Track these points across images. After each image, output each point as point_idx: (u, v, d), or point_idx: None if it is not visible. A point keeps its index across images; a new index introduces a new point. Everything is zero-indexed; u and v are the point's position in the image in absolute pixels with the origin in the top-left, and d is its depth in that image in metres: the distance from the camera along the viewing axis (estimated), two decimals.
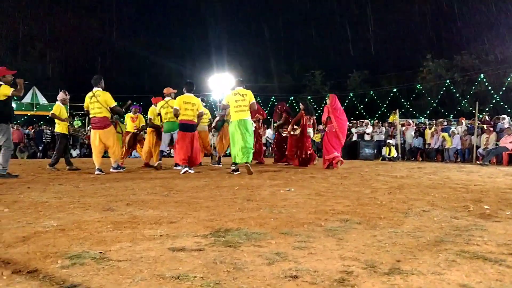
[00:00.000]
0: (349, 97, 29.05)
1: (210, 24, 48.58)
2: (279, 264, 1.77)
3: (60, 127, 8.49)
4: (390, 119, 18.94)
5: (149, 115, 9.34)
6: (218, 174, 7.08)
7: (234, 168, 7.27)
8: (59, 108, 8.45)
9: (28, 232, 2.32)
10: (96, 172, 7.23)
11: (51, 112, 8.55)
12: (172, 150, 9.08)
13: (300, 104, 9.88)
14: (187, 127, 7.70)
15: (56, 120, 8.52)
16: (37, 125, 20.72)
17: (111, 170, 7.62)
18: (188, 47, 43.69)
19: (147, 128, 9.39)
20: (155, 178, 6.27)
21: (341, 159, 8.83)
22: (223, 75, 25.18)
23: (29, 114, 22.37)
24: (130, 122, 9.70)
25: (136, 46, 42.02)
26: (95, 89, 7.50)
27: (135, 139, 9.77)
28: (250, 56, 40.92)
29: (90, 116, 7.59)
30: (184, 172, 7.29)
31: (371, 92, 28.72)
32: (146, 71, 40.86)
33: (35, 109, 21.36)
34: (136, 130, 9.66)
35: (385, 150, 14.77)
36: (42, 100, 22.59)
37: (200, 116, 7.91)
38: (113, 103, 7.51)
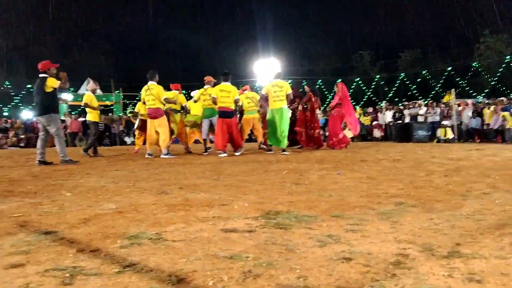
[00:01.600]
0: (400, 78, 27.97)
1: (255, 8, 48.25)
2: (331, 246, 1.74)
3: (92, 116, 8.92)
4: (444, 100, 18.05)
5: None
6: (266, 159, 7.11)
7: (269, 148, 8.74)
8: (90, 98, 8.84)
9: (89, 215, 2.45)
10: (147, 155, 7.96)
11: (83, 101, 8.95)
12: (212, 136, 9.27)
13: (306, 87, 10.53)
14: (225, 114, 8.14)
15: (87, 109, 8.93)
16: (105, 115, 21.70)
17: (162, 156, 7.94)
18: (233, 33, 43.77)
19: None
20: (206, 163, 6.40)
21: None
22: (268, 60, 25.06)
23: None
24: (143, 110, 9.91)
25: (182, 34, 42.80)
26: (150, 82, 8.09)
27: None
28: (295, 39, 40.46)
29: (146, 107, 8.21)
30: (224, 156, 7.81)
31: (424, 72, 27.46)
32: (192, 58, 41.53)
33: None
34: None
35: (440, 132, 14.14)
36: (97, 90, 23.65)
37: (236, 102, 8.29)
38: (164, 95, 8.16)
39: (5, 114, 25.73)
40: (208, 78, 9.16)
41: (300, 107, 10.03)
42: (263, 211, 2.48)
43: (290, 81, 23.33)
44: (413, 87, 26.68)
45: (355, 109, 11.62)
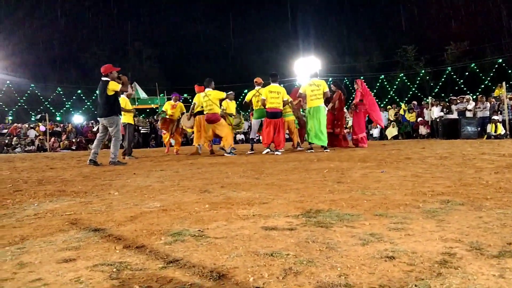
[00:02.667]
0: (447, 72, 26.84)
1: (295, 6, 47.93)
2: (374, 244, 1.71)
3: (126, 118, 9.24)
4: (495, 93, 17.15)
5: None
6: (307, 157, 7.06)
7: (309, 147, 8.77)
8: (124, 101, 9.16)
9: (135, 212, 2.54)
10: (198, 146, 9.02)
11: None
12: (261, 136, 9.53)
13: (332, 86, 10.42)
14: (273, 114, 8.41)
15: (122, 112, 9.22)
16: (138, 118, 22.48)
17: (225, 154, 8.53)
18: (273, 32, 43.70)
19: (196, 116, 9.52)
20: (247, 162, 6.45)
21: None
22: (308, 58, 24.84)
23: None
24: (170, 110, 10.16)
25: (223, 36, 43.37)
26: (207, 89, 8.75)
27: (175, 126, 10.20)
28: (336, 36, 39.79)
29: (204, 112, 8.82)
30: (266, 153, 8.23)
31: (472, 65, 26.20)
32: (232, 59, 41.96)
33: (136, 103, 23.22)
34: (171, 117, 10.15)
35: (490, 127, 13.45)
36: (142, 94, 24.46)
37: (286, 104, 8.56)
38: (223, 96, 8.86)
39: (58, 118, 27.19)
40: (258, 80, 9.30)
41: (330, 106, 10.00)
42: (304, 209, 2.47)
43: (330, 79, 23.03)
44: (461, 81, 25.54)
45: (378, 104, 11.60)
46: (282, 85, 9.28)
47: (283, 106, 8.52)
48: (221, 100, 9.05)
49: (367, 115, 10.52)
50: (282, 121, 8.55)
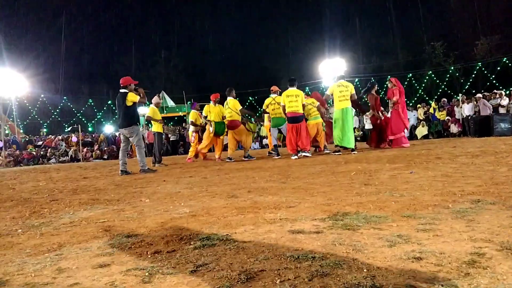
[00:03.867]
0: (478, 67, 26.04)
1: (319, 8, 47.72)
2: (401, 246, 1.71)
3: (156, 127, 9.48)
4: None
5: (204, 113, 9.85)
6: (334, 160, 7.02)
7: (336, 149, 8.75)
8: (153, 111, 9.42)
9: (165, 219, 2.62)
10: (227, 160, 8.95)
11: (147, 114, 9.62)
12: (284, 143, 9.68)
13: (370, 88, 10.29)
14: (294, 119, 8.38)
15: (152, 121, 9.54)
16: (167, 126, 22.90)
17: (243, 158, 9.01)
18: (298, 35, 43.63)
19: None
20: (273, 167, 6.48)
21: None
22: (334, 60, 24.65)
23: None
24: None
25: (248, 40, 43.65)
26: (228, 98, 9.19)
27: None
28: (361, 35, 39.33)
29: (226, 119, 9.33)
30: (295, 158, 8.09)
31: (505, 59, 25.32)
32: (258, 64, 42.15)
33: (165, 111, 23.66)
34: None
35: None
36: (170, 102, 24.91)
37: (303, 106, 8.49)
38: (239, 107, 9.16)
39: (90, 129, 28.07)
40: (274, 88, 9.43)
41: (375, 113, 10.00)
42: (331, 212, 2.48)
43: (357, 79, 22.81)
44: (492, 76, 24.73)
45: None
46: (307, 88, 9.29)
47: (303, 109, 8.48)
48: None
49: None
50: (304, 124, 8.49)
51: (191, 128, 10.41)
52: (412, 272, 1.39)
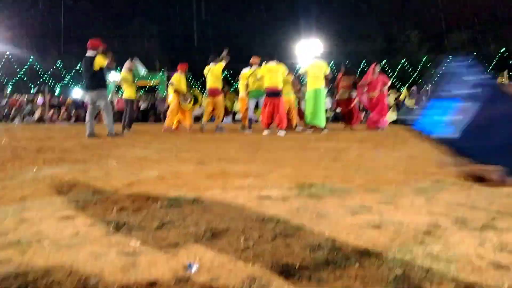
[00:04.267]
0: (448, 60, 26.63)
1: None
2: (363, 215, 1.77)
3: (128, 93, 9.26)
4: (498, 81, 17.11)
5: (173, 80, 9.62)
6: (305, 137, 7.10)
7: (308, 127, 8.82)
8: (127, 76, 9.17)
9: (132, 180, 2.59)
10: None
11: (120, 79, 9.34)
12: (259, 117, 9.57)
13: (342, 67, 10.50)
14: (272, 93, 8.23)
15: (124, 86, 9.31)
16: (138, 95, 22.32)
17: (216, 131, 9.00)
18: (274, 13, 43.10)
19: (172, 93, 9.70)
20: (244, 140, 6.50)
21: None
22: (310, 41, 24.58)
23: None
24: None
25: (222, 15, 42.81)
26: (211, 64, 9.07)
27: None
28: (338, 18, 39.24)
29: (207, 87, 9.23)
30: (266, 134, 7.98)
31: (475, 53, 26.02)
32: (234, 40, 41.50)
33: (136, 79, 23.00)
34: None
35: None
36: (143, 70, 24.26)
37: (286, 83, 8.49)
38: (220, 73, 9.16)
39: (57, 92, 27.09)
40: (254, 59, 9.21)
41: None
42: (298, 182, 2.53)
43: (331, 62, 22.93)
44: None
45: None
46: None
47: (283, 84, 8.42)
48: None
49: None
50: (282, 100, 8.40)
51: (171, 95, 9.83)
52: (371, 238, 1.45)
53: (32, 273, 1.10)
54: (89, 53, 6.93)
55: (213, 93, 9.16)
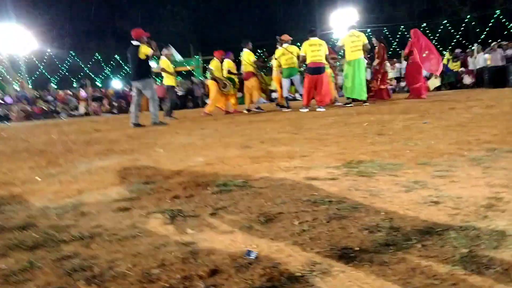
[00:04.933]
0: (495, 16, 25.01)
1: None
2: (418, 191, 1.71)
3: (168, 80, 9.34)
4: None
5: (212, 67, 9.72)
6: (346, 112, 6.96)
7: (348, 101, 8.72)
8: (166, 63, 9.21)
9: (181, 167, 2.64)
10: (244, 111, 9.63)
11: (160, 66, 9.36)
12: (296, 94, 9.54)
13: (374, 40, 10.07)
14: (316, 70, 8.05)
15: (164, 74, 9.36)
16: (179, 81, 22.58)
17: (254, 109, 9.68)
18: None
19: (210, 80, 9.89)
20: (284, 119, 6.46)
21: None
22: (346, 9, 23.83)
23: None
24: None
25: None
26: (244, 50, 9.36)
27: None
28: None
29: (242, 70, 9.60)
30: (306, 111, 7.93)
31: None
32: (267, 14, 40.92)
33: (173, 65, 23.32)
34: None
35: None
36: (178, 56, 24.51)
37: (326, 58, 8.28)
38: (253, 58, 9.32)
39: (98, 84, 27.98)
40: (285, 37, 9.06)
41: (376, 63, 9.75)
42: (345, 160, 2.48)
43: (369, 30, 22.12)
44: (511, 25, 23.80)
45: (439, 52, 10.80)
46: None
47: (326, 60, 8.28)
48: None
49: (421, 67, 9.77)
50: (326, 77, 8.22)
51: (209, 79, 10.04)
52: (430, 215, 1.40)
53: (97, 266, 1.15)
54: (134, 42, 7.05)
55: (245, 77, 9.50)
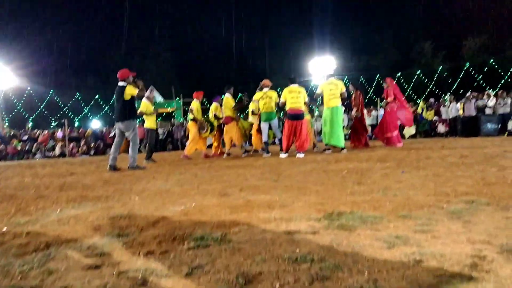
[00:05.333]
0: (465, 68, 26.30)
1: (309, 4, 47.74)
2: (400, 247, 1.68)
3: (149, 123, 9.29)
4: None
5: (193, 107, 9.84)
6: (324, 158, 7.01)
7: (326, 148, 8.95)
8: (146, 105, 9.21)
9: (157, 217, 2.55)
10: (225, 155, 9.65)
11: (139, 110, 9.24)
12: (276, 139, 9.66)
13: (350, 86, 10.21)
14: (295, 116, 8.20)
15: (144, 116, 9.31)
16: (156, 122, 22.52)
17: (242, 156, 9.50)
18: (288, 31, 43.58)
19: (190, 121, 9.94)
20: (264, 164, 6.44)
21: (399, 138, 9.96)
22: (323, 58, 24.65)
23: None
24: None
25: (239, 39, 43.58)
26: (225, 94, 9.56)
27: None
28: (351, 33, 39.50)
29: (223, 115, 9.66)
30: (285, 157, 7.99)
31: (491, 61, 25.62)
32: (248, 60, 42.09)
33: (153, 106, 23.42)
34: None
35: (511, 124, 13.15)
36: (159, 98, 24.65)
37: (305, 104, 8.47)
38: (232, 103, 9.48)
39: (76, 124, 27.65)
40: (266, 82, 9.22)
41: (354, 113, 9.97)
42: (325, 212, 2.44)
43: (346, 77, 22.84)
44: (480, 77, 25.02)
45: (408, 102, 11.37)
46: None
47: (304, 106, 8.43)
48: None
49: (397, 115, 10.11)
50: (304, 123, 8.33)
51: (190, 121, 9.98)
52: (414, 275, 1.36)
53: None
54: (120, 83, 6.99)
55: (225, 121, 9.64)
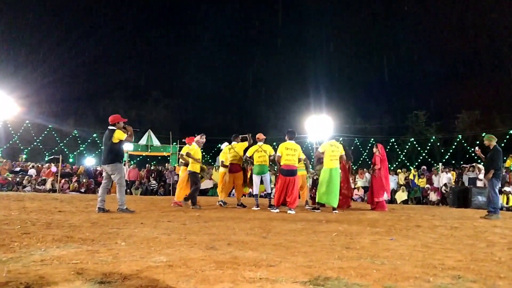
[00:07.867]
0: (458, 140, 26.88)
1: (307, 66, 49.56)
2: None
3: (193, 167, 9.02)
4: (506, 164, 17.03)
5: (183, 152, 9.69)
6: (315, 218, 6.99)
7: (316, 207, 8.98)
8: (194, 150, 9.07)
9: (141, 266, 2.52)
10: (219, 203, 9.69)
11: (187, 151, 9.18)
12: (264, 192, 9.66)
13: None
14: (289, 172, 8.30)
15: (191, 161, 9.02)
16: (154, 165, 22.42)
17: (237, 206, 9.45)
18: (287, 89, 44.94)
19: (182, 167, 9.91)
20: (254, 219, 6.40)
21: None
22: (320, 117, 25.12)
23: (144, 155, 24.70)
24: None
25: (238, 92, 44.77)
26: (233, 143, 9.70)
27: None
28: (348, 96, 40.72)
29: (230, 162, 9.58)
30: (276, 212, 8.02)
31: (484, 134, 26.24)
32: (246, 113, 42.93)
33: (149, 150, 23.51)
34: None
35: (501, 199, 13.24)
36: (156, 142, 24.82)
37: (300, 161, 8.57)
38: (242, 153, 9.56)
39: (70, 160, 27.56)
40: (260, 136, 9.38)
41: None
42: (312, 275, 2.43)
43: (341, 139, 23.24)
44: (471, 150, 25.50)
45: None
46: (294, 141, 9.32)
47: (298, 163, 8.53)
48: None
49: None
50: (297, 180, 8.45)
51: (182, 166, 9.82)
52: None
53: None
54: (110, 127, 7.17)
55: (234, 169, 9.53)
